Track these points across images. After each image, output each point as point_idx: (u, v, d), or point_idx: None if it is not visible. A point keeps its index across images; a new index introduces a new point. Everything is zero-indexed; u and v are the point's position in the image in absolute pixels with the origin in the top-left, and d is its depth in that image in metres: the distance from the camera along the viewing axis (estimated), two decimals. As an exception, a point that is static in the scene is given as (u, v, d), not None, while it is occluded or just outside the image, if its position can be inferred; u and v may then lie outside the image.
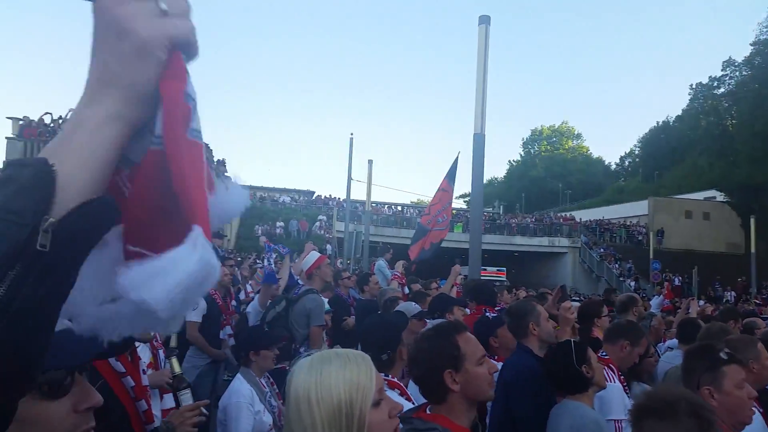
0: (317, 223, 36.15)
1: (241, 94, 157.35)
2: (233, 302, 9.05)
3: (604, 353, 3.53)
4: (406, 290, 7.73)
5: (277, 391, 3.83)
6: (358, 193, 32.55)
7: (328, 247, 27.12)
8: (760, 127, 42.10)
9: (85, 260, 0.63)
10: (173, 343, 3.54)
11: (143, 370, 2.82)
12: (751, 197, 38.35)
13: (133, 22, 0.64)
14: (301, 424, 1.32)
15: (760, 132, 42.09)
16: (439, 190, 10.03)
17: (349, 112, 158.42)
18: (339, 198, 42.81)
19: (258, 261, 14.40)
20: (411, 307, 4.78)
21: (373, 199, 23.65)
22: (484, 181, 8.33)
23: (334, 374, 1.35)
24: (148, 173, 0.69)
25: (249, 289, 10.00)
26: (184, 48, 0.68)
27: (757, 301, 21.54)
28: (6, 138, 20.72)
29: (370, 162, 20.17)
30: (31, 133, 20.87)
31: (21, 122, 21.30)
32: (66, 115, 21.26)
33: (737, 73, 50.04)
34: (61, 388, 0.89)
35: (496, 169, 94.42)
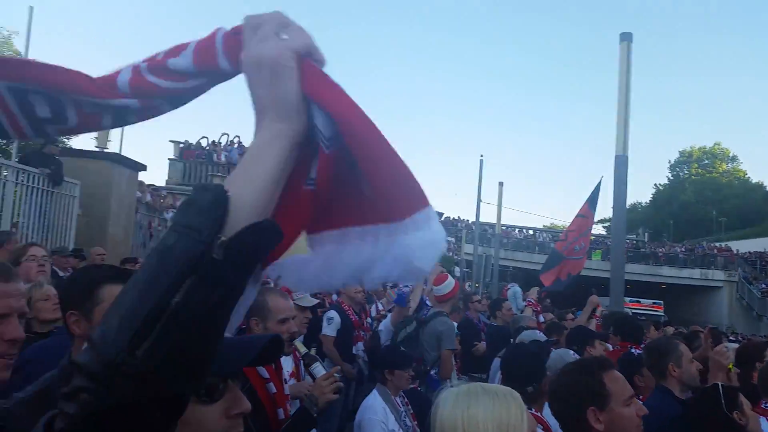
0: (445, 245, 36.16)
1: (374, 117, 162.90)
2: (368, 319, 9.32)
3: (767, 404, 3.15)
4: (541, 318, 7.45)
5: (411, 411, 3.84)
6: (488, 216, 32.09)
7: (456, 269, 26.98)
8: None
9: (251, 274, 0.73)
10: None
11: (285, 379, 2.99)
12: None
13: (262, 53, 0.78)
14: None
15: None
16: (577, 216, 9.57)
17: (479, 132, 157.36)
18: (468, 220, 42.59)
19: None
20: (536, 336, 4.63)
21: (503, 221, 23.21)
22: (627, 206, 7.86)
23: (482, 411, 1.32)
24: (327, 173, 0.85)
25: (381, 306, 10.23)
26: (310, 56, 0.81)
27: None
28: (169, 159, 23.28)
29: (501, 184, 19.88)
30: (190, 155, 23.18)
31: (181, 145, 23.80)
32: (219, 139, 23.37)
33: None
34: (216, 393, 0.95)
35: (640, 192, 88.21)
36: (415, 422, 3.78)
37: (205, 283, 0.66)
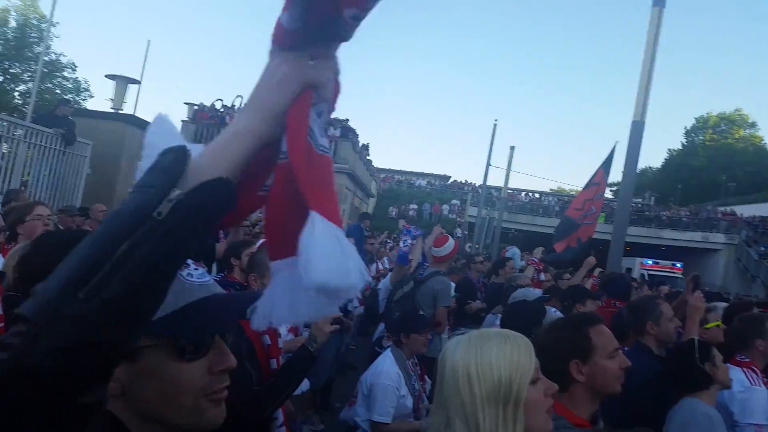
0: (447, 207, 36.27)
1: (385, 82, 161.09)
2: (369, 278, 9.49)
3: (743, 357, 3.28)
4: (542, 277, 7.57)
5: (420, 372, 3.85)
6: (496, 179, 31.97)
7: (458, 230, 27.12)
8: None
9: (205, 232, 0.76)
10: None
11: (280, 333, 3.09)
12: None
13: (284, 64, 0.85)
14: (458, 398, 1.36)
15: None
16: (592, 183, 9.51)
17: (493, 97, 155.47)
18: (474, 183, 42.52)
19: (389, 241, 14.84)
20: (530, 292, 4.73)
21: (510, 185, 23.13)
22: (638, 170, 7.80)
23: (494, 352, 1.39)
24: (279, 186, 0.86)
25: (381, 266, 10.39)
26: (317, 88, 0.87)
27: None
28: (182, 121, 23.08)
29: (512, 148, 19.76)
30: (203, 116, 22.90)
31: (195, 107, 23.59)
32: (233, 102, 23.17)
33: None
34: (199, 351, 0.94)
35: (652, 157, 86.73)
36: (422, 383, 3.81)
37: (155, 233, 0.68)
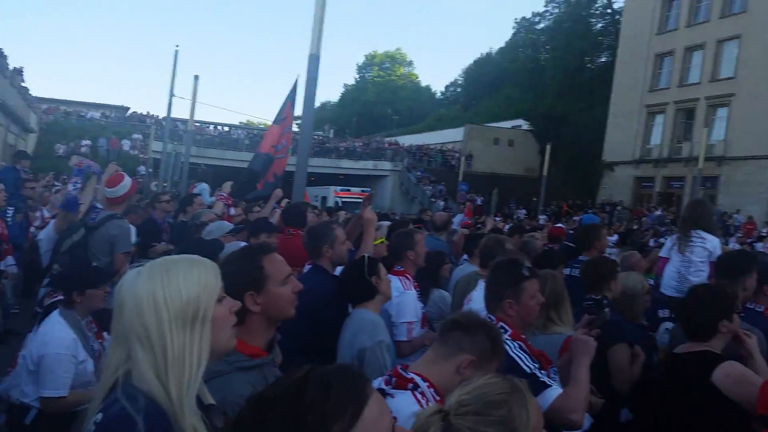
0: (128, 142, 33.28)
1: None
2: (32, 228, 8.09)
3: (399, 267, 3.85)
4: (231, 211, 7.52)
5: (96, 330, 3.41)
6: (181, 111, 30.09)
7: (142, 168, 25.19)
8: (568, 62, 46.55)
9: None
10: None
11: None
12: (551, 127, 42.36)
13: None
14: (141, 328, 1.32)
15: (568, 68, 46.56)
16: (283, 118, 9.60)
17: (174, 22, 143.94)
18: (158, 116, 39.64)
19: (57, 183, 12.89)
20: (224, 225, 4.69)
21: (197, 117, 22.15)
22: (318, 105, 8.18)
23: (182, 275, 1.37)
24: None
25: (46, 214, 8.98)
26: None
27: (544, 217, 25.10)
28: None
29: (196, 77, 18.68)
30: None
31: None
32: None
33: (558, 10, 52.56)
34: None
35: (331, 92, 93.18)
36: (101, 341, 3.37)
37: None
